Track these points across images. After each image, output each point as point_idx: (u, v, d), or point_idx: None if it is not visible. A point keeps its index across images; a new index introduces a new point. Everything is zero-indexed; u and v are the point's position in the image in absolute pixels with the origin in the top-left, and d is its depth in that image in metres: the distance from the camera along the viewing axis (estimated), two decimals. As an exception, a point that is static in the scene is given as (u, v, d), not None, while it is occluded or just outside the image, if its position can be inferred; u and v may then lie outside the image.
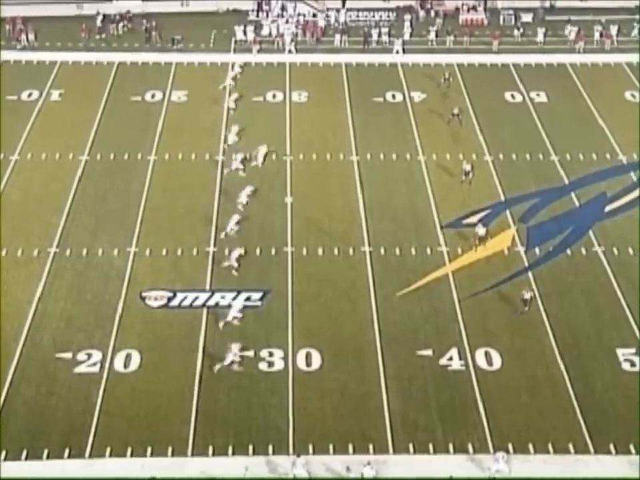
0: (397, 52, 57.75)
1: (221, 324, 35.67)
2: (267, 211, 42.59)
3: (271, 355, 34.58)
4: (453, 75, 54.82)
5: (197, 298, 37.25)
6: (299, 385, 33.28)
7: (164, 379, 33.42)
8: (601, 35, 59.48)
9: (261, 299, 37.35)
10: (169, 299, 37.22)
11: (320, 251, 40.10)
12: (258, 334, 35.52)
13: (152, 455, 30.56)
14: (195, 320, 36.18)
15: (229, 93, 52.63)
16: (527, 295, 36.45)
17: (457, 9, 63.71)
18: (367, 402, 32.49)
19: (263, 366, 34.10)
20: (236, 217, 40.99)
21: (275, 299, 37.35)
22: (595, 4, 63.74)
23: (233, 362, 33.64)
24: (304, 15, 62.33)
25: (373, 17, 62.99)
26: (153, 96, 52.70)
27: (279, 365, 34.12)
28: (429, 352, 34.75)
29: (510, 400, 32.80)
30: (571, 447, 31.04)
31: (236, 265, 38.65)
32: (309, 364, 34.23)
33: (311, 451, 30.70)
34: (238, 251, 38.99)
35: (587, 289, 37.94)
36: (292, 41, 58.85)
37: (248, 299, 37.20)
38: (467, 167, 44.37)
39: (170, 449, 30.74)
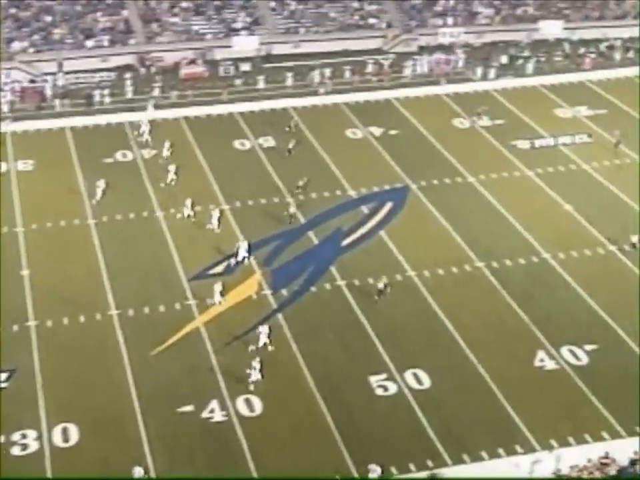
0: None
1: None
2: (2, 287, 40.65)
3: (24, 437, 32.88)
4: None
5: None
6: (57, 463, 31.85)
7: None
8: (322, 77, 62.53)
9: (7, 379, 35.49)
10: None
11: (65, 321, 38.80)
12: (7, 417, 33.66)
13: None
14: None
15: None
16: (381, 285, 39.58)
17: (177, 63, 64.41)
18: (130, 469, 31.60)
19: (15, 450, 32.33)
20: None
21: (22, 377, 35.61)
22: (310, 49, 66.83)
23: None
24: (20, 82, 60.34)
25: (93, 77, 62.21)
26: None
27: (33, 446, 32.51)
28: (189, 407, 34.47)
29: (275, 443, 33.16)
30: (338, 477, 31.82)
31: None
32: (66, 440, 32.90)
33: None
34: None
35: (335, 323, 39.24)
36: (9, 110, 56.86)
37: (-7, 381, 35.29)
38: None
39: None
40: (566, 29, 71.01)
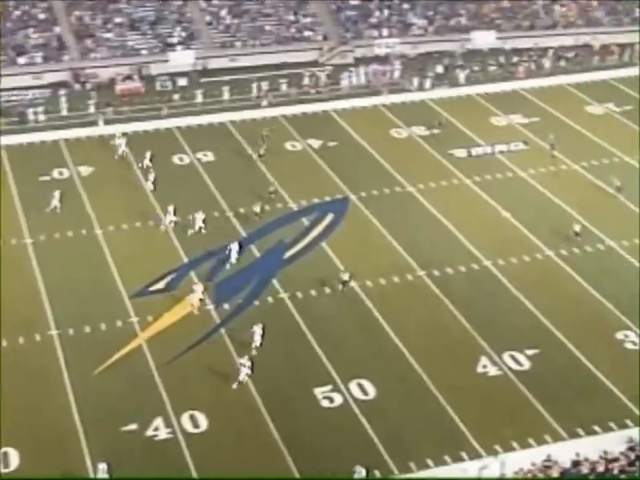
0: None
1: None
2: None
3: (-36, 464, 32.21)
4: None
5: None
6: (0, 488, 31.24)
7: None
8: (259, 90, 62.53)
9: (-55, 405, 34.70)
10: None
11: (4, 343, 38.09)
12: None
13: None
14: None
15: None
16: (346, 276, 41.21)
17: (112, 79, 63.84)
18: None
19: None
20: None
21: (-41, 403, 34.81)
22: (247, 63, 66.85)
23: None
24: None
25: (26, 95, 61.33)
26: None
27: (-27, 472, 31.84)
28: (133, 426, 34.05)
29: (221, 458, 32.90)
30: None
31: None
32: (6, 465, 32.23)
33: None
34: None
35: (279, 336, 39.09)
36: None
37: None
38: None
39: None
40: (499, 38, 72.17)
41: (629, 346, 38.72)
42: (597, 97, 63.32)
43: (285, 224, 47.74)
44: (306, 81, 64.79)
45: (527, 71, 67.28)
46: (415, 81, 65.09)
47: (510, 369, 37.44)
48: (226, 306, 41.16)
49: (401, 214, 48.79)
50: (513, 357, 38.02)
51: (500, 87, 65.56)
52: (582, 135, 57.53)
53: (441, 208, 49.16)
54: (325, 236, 46.69)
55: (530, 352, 38.28)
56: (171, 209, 46.70)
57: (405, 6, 73.93)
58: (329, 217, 48.45)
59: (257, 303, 41.41)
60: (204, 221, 46.17)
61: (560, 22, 74.09)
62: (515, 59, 68.83)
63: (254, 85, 63.06)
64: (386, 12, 73.43)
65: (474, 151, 55.66)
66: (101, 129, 57.47)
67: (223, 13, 71.10)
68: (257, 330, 37.93)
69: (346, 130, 58.44)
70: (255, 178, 52.20)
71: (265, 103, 61.53)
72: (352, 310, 40.99)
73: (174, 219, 46.67)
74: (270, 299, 41.61)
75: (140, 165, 52.70)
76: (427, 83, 64.91)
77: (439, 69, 67.27)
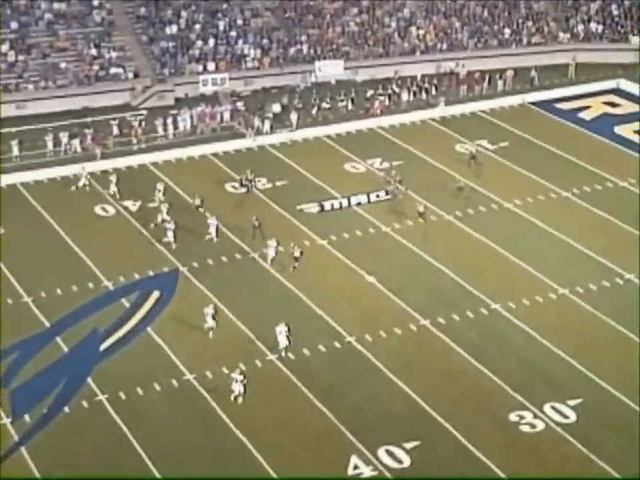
0: None
1: None
2: None
3: None
4: None
5: None
6: None
7: None
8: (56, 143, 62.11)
9: None
10: None
11: None
12: None
13: None
14: None
15: None
16: (297, 253, 48.95)
17: None
18: None
19: None
20: None
21: None
22: (39, 110, 66.27)
23: None
24: None
25: None
26: None
27: None
28: None
29: None
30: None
31: None
32: None
33: None
34: None
35: (98, 448, 38.36)
36: None
37: None
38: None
39: None
40: (347, 68, 74.22)
41: (525, 429, 39.88)
42: (468, 133, 65.79)
43: (99, 307, 47.13)
44: (115, 129, 64.53)
45: (383, 105, 69.25)
46: (252, 124, 65.91)
47: (387, 467, 37.80)
48: (26, 417, 40.04)
49: (244, 286, 48.94)
50: (389, 453, 38.42)
51: (353, 125, 67.28)
52: (453, 179, 59.40)
53: (291, 277, 49.58)
54: (150, 319, 46.33)
55: (409, 445, 38.81)
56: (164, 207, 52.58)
57: (233, 33, 75.12)
58: (155, 296, 48.18)
59: (67, 410, 40.52)
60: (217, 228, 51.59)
61: (418, 47, 76.89)
62: (369, 93, 70.74)
63: (48, 138, 62.37)
64: (211, 41, 74.38)
65: (327, 205, 56.68)
66: None
67: (4, 48, 70.12)
68: (283, 329, 43.60)
69: (171, 188, 58.41)
70: (58, 252, 51.49)
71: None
72: (189, 409, 40.66)
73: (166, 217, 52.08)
74: (85, 404, 40.83)
75: None
76: (266, 125, 65.88)
77: (278, 107, 68.47)
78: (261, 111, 67.71)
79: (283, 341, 43.57)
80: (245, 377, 40.82)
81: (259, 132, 65.42)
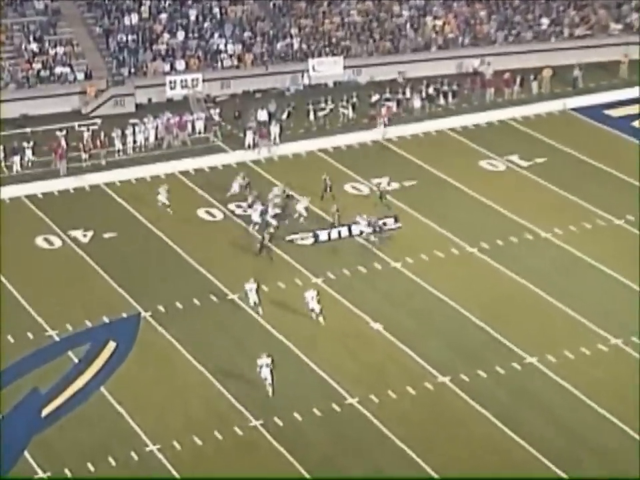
0: None
1: None
2: None
3: None
4: None
5: None
6: None
7: None
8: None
9: None
10: None
11: None
12: None
13: None
14: None
15: None
16: (266, 240, 53.65)
17: None
18: None
19: None
20: None
21: None
22: None
23: None
24: None
25: None
26: None
27: None
28: None
29: None
30: None
31: None
32: None
33: None
34: None
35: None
36: None
37: None
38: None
39: None
40: (348, 68, 74.34)
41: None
42: (495, 147, 65.84)
43: (40, 362, 47.02)
44: (62, 142, 64.57)
45: (391, 113, 69.25)
46: (230, 135, 66.01)
47: None
48: (-50, 502, 39.93)
49: (222, 335, 48.81)
50: None
51: (355, 137, 67.36)
52: (478, 203, 59.42)
53: (279, 324, 49.45)
54: (105, 376, 46.20)
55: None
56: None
57: (207, 24, 75.28)
58: (111, 347, 48.11)
59: (3, 489, 40.42)
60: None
61: (435, 41, 77.09)
62: (375, 97, 70.75)
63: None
64: (180, 35, 74.52)
65: (323, 235, 56.59)
66: None
67: None
68: (312, 295, 49.36)
69: (130, 212, 58.41)
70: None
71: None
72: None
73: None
74: (27, 484, 40.75)
75: None
76: (248, 138, 65.90)
77: (263, 115, 68.49)
78: (239, 119, 67.75)
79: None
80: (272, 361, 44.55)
81: (241, 145, 65.65)
